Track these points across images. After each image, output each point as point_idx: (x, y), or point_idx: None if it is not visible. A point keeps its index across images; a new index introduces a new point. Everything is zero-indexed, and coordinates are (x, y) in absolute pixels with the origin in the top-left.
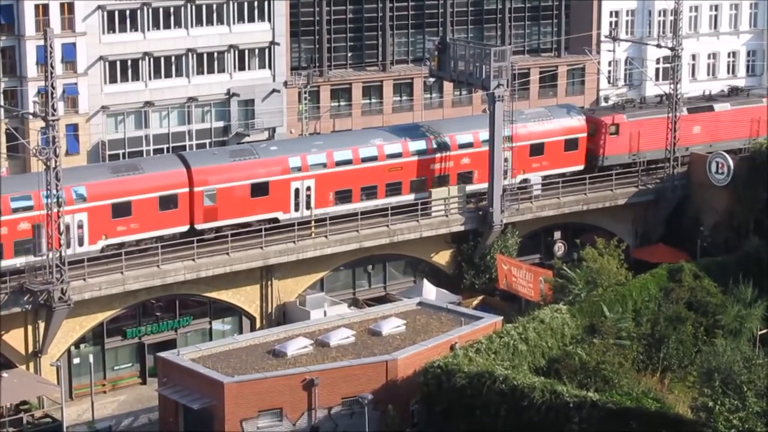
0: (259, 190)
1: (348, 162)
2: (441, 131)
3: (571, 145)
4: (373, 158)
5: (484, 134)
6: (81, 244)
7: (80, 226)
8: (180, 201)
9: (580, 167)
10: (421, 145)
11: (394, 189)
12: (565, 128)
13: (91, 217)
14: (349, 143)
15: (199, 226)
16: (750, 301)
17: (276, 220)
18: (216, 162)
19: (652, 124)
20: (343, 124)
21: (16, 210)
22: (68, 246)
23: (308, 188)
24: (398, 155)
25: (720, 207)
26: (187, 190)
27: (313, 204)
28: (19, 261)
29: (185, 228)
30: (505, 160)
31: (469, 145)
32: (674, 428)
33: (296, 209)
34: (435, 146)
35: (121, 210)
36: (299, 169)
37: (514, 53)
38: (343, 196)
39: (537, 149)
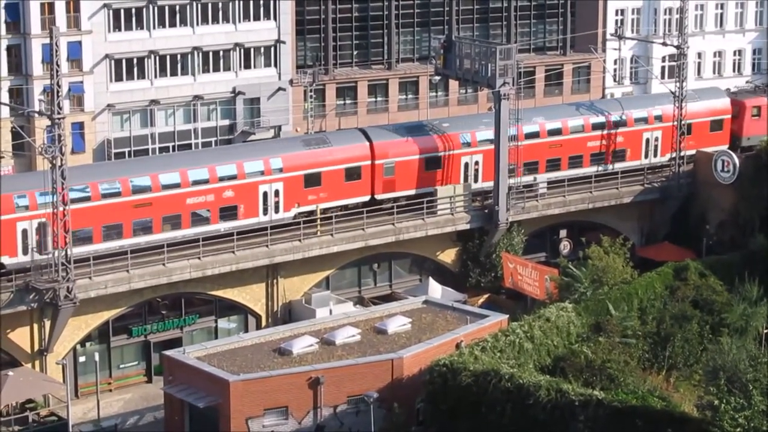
0: (433, 163)
1: (512, 138)
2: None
3: (716, 125)
4: (535, 135)
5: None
6: (276, 211)
7: (276, 195)
8: (363, 173)
9: (725, 147)
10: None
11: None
12: (711, 110)
13: (287, 187)
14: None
15: (378, 197)
16: (756, 299)
17: (372, 201)
18: (394, 137)
19: None
20: (348, 123)
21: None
22: (265, 213)
23: (476, 162)
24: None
25: (726, 205)
26: (369, 162)
27: (480, 177)
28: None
29: (367, 198)
30: (656, 139)
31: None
32: (680, 427)
33: (466, 181)
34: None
35: (313, 180)
36: (469, 145)
37: (519, 51)
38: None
39: (686, 129)
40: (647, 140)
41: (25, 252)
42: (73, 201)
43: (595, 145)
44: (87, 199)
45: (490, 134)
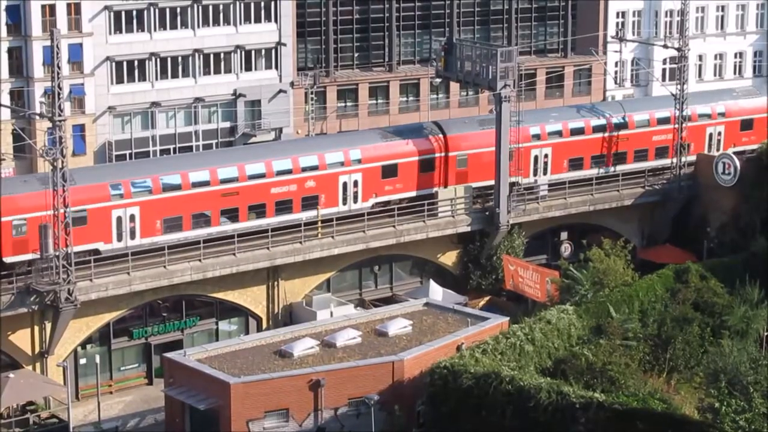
0: None
1: (580, 131)
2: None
3: None
4: (602, 128)
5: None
6: (355, 201)
7: (355, 185)
8: (436, 164)
9: None
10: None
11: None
12: None
13: (365, 178)
14: (582, 115)
15: (451, 187)
16: (757, 301)
17: (517, 184)
18: (467, 130)
19: None
20: (349, 125)
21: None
22: (344, 203)
23: (546, 155)
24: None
25: (727, 208)
26: (442, 154)
27: (549, 169)
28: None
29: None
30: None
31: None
32: (681, 429)
33: (535, 174)
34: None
35: (390, 171)
36: (539, 137)
37: (520, 54)
38: (575, 164)
39: (747, 124)
40: (710, 135)
41: (119, 239)
42: (165, 189)
43: (660, 140)
44: (178, 187)
45: (558, 126)
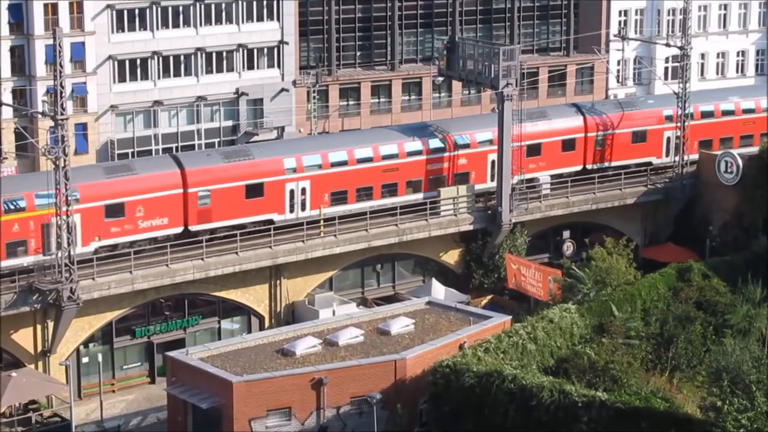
0: (639, 137)
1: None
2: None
3: None
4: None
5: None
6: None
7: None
8: (577, 144)
9: None
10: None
11: None
12: None
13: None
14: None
15: (589, 166)
16: (759, 300)
17: (583, 170)
18: (603, 113)
19: None
20: (351, 124)
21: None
22: (492, 179)
23: (677, 137)
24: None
25: (729, 206)
26: (582, 135)
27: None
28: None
29: (579, 167)
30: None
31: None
32: (683, 428)
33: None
34: None
35: (533, 150)
36: (671, 119)
37: (523, 52)
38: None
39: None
40: None
41: (291, 210)
42: (333, 165)
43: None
44: (345, 163)
45: (690, 110)
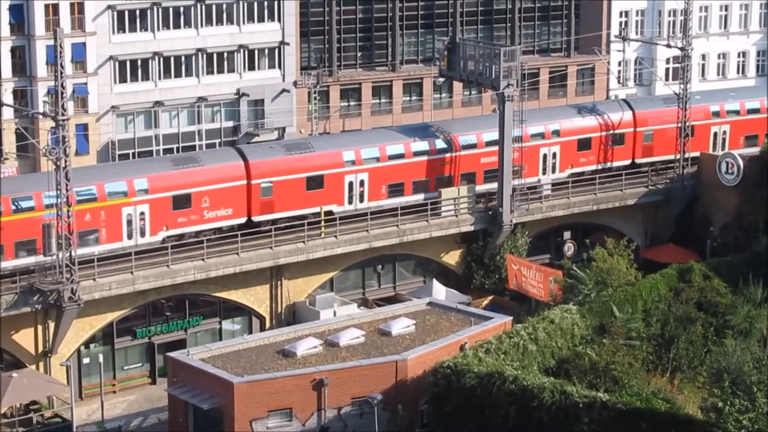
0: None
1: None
2: None
3: None
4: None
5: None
6: (553, 171)
7: (553, 157)
8: (626, 139)
9: None
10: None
11: None
12: None
13: (562, 150)
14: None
15: (638, 161)
16: (760, 301)
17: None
18: (650, 107)
19: None
20: (352, 124)
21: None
22: (543, 173)
23: (724, 132)
24: None
25: (730, 207)
26: (632, 130)
27: (727, 145)
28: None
29: (628, 161)
30: None
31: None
32: (684, 429)
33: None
34: None
35: (584, 144)
36: (718, 115)
37: (523, 53)
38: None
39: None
40: None
41: (350, 201)
42: (391, 158)
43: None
44: (401, 156)
45: (737, 106)
